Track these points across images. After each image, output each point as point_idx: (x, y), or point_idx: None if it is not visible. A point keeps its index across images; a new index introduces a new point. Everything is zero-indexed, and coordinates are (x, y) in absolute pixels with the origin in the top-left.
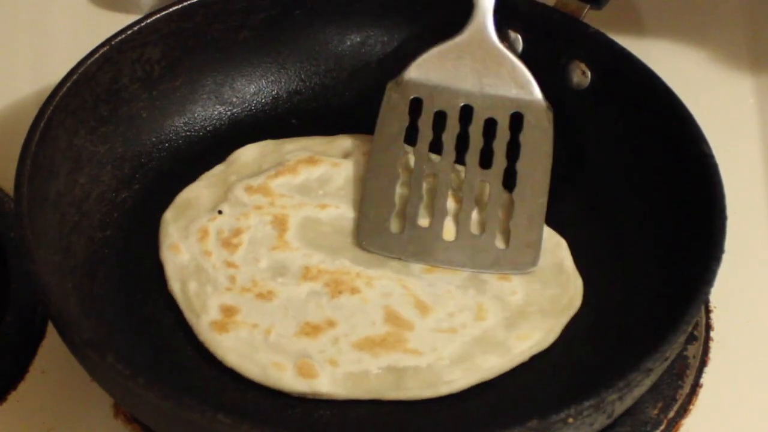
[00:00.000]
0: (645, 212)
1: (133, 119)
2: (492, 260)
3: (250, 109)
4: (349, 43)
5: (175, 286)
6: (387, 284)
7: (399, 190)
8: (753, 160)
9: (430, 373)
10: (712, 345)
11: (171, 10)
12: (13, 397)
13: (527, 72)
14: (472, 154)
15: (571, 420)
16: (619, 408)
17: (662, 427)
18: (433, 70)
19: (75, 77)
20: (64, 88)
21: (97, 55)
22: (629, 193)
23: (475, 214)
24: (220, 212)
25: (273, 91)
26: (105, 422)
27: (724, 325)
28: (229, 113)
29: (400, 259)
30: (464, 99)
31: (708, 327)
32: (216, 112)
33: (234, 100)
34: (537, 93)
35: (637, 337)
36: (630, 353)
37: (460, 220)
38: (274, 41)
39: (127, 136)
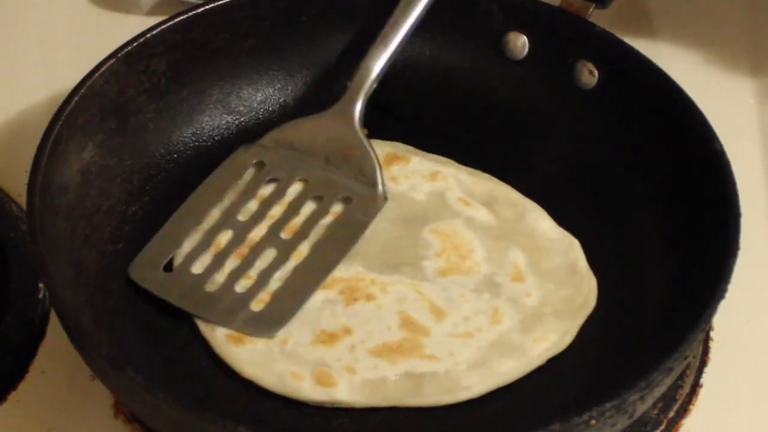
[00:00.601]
0: (657, 211)
1: (140, 131)
2: (241, 320)
3: (258, 118)
4: (355, 49)
5: None
6: (401, 290)
7: (198, 238)
8: (753, 160)
9: (448, 378)
10: (712, 345)
11: (176, 20)
12: (13, 397)
13: (375, 161)
14: (277, 223)
15: (593, 422)
16: (640, 408)
17: (662, 427)
18: (288, 138)
19: (82, 91)
20: (72, 103)
21: (103, 69)
22: (640, 192)
23: (251, 274)
24: None
25: (280, 99)
26: (105, 422)
27: (724, 325)
28: (236, 122)
29: (164, 299)
30: (305, 173)
31: (708, 327)
32: (224, 122)
33: (241, 108)
34: (378, 184)
35: (653, 336)
36: (646, 353)
37: (229, 276)
38: (281, 49)
39: (135, 148)
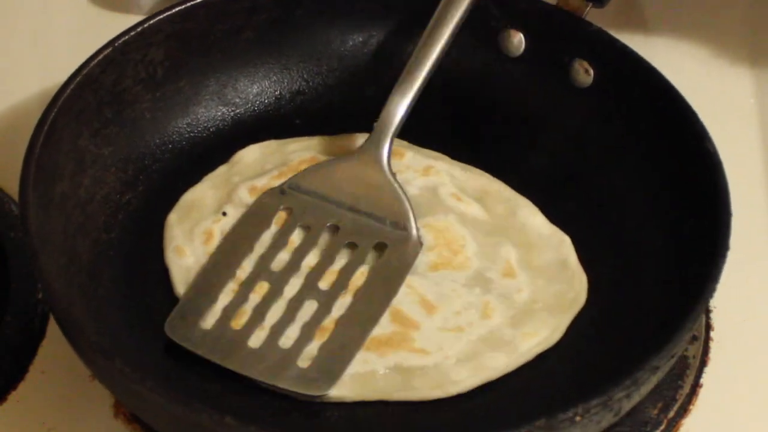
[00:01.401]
0: (649, 210)
1: (136, 121)
2: (289, 377)
3: (254, 110)
4: (351, 43)
5: (180, 289)
6: None
7: (233, 291)
8: (753, 159)
9: (438, 372)
10: (712, 345)
11: (174, 11)
12: (13, 397)
13: (408, 205)
14: (314, 273)
15: (578, 418)
16: (626, 406)
17: (662, 427)
18: (315, 183)
19: (78, 79)
20: (68, 91)
21: (100, 57)
22: (632, 191)
23: (293, 328)
24: (224, 214)
25: (276, 91)
26: (105, 422)
27: (724, 325)
28: (232, 114)
29: (201, 356)
30: (335, 219)
31: (708, 327)
32: (219, 113)
33: (237, 100)
34: (412, 229)
35: (641, 334)
36: (635, 350)
37: (272, 331)
38: (277, 42)
39: (131, 137)
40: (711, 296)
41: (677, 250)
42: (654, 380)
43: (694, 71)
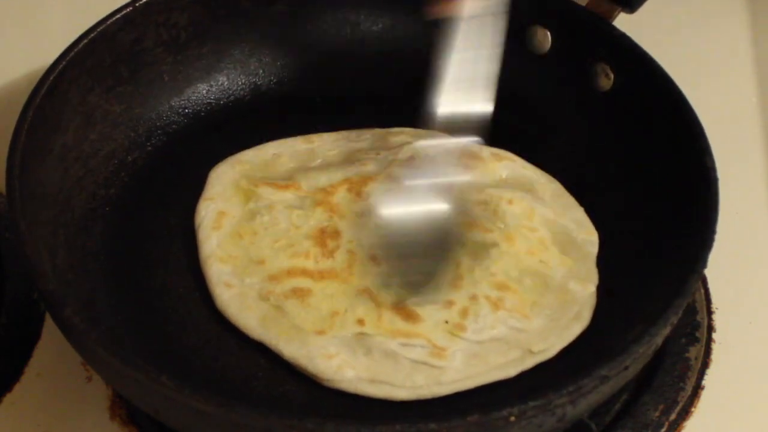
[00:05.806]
0: (637, 218)
1: (153, 82)
2: None
3: (275, 83)
4: (381, 25)
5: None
6: None
7: None
8: (755, 159)
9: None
10: (714, 346)
11: None
12: (8, 399)
13: None
14: None
15: (513, 418)
16: (572, 412)
17: (663, 430)
18: None
19: (92, 35)
20: (80, 45)
21: (118, 16)
22: (627, 193)
23: None
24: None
25: (300, 66)
26: (101, 424)
27: (726, 327)
28: (253, 85)
29: None
30: None
31: (710, 328)
32: (240, 83)
33: (260, 72)
34: None
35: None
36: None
37: None
38: (306, 17)
39: (146, 97)
40: (677, 312)
41: (653, 264)
42: (605, 390)
43: (695, 70)
